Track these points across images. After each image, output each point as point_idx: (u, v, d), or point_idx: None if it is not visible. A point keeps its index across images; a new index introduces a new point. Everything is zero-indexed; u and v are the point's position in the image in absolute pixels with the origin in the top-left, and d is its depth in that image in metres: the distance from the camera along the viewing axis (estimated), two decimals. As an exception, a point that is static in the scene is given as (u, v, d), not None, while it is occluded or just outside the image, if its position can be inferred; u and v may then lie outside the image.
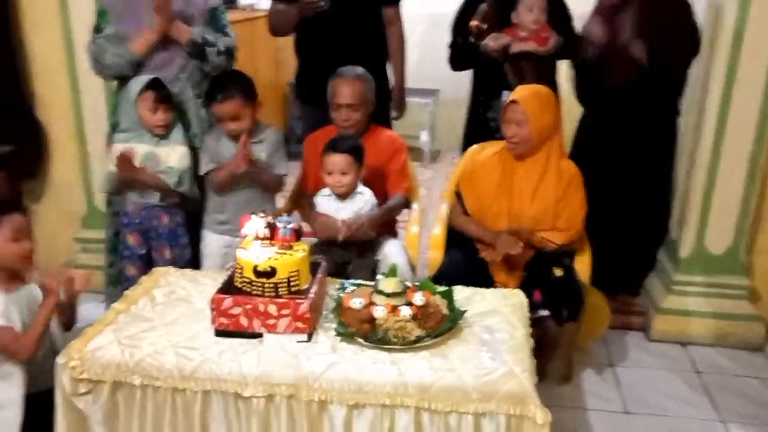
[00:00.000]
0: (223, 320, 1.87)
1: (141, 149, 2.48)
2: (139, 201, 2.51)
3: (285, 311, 1.84)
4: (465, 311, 1.96)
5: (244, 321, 1.86)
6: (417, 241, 2.63)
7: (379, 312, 1.87)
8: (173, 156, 2.49)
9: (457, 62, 2.98)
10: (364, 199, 2.49)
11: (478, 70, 2.96)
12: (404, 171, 2.72)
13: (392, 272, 1.96)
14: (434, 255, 2.55)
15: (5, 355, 1.88)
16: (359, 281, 2.15)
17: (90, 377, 1.78)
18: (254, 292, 1.86)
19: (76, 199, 3.25)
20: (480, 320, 1.98)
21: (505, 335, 1.90)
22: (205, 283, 2.19)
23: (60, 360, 1.79)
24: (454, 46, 2.97)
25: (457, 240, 2.56)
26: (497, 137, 2.65)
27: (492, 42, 2.75)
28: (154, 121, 2.45)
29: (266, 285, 1.86)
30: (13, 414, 1.86)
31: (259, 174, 2.50)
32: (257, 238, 1.94)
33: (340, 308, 1.95)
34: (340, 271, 2.44)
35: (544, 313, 2.37)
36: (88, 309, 2.45)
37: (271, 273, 1.85)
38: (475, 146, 2.76)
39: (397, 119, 3.27)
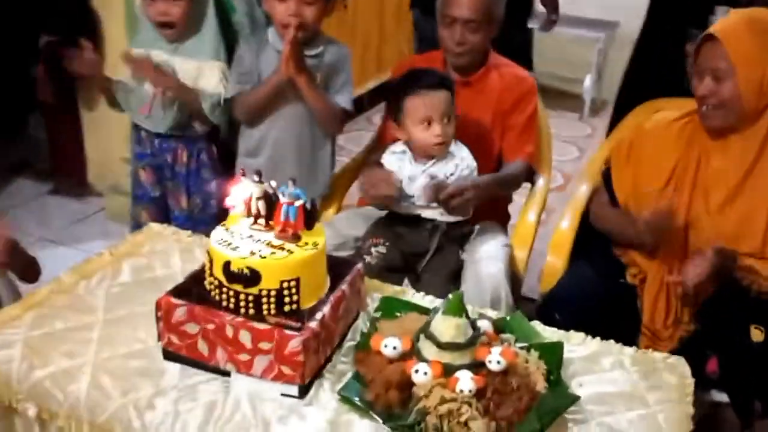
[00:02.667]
0: (173, 339, 1.18)
1: (155, 57, 1.81)
2: (147, 126, 1.87)
3: (265, 344, 1.12)
4: (577, 398, 1.13)
5: (202, 347, 1.16)
6: (531, 237, 1.77)
7: (421, 375, 1.09)
8: (188, 69, 1.80)
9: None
10: (456, 161, 1.66)
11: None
12: (530, 128, 1.85)
13: (456, 302, 1.16)
14: (554, 263, 1.68)
15: None
16: (419, 301, 1.37)
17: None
18: (224, 304, 1.15)
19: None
20: (603, 411, 1.14)
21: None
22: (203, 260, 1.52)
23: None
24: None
25: (594, 245, 1.67)
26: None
27: None
28: (154, 15, 1.76)
29: (243, 296, 1.14)
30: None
31: (312, 94, 1.74)
32: (248, 214, 1.22)
33: (362, 350, 1.20)
34: (408, 268, 1.67)
35: (720, 397, 1.46)
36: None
37: (252, 278, 1.13)
38: (644, 105, 1.81)
39: (546, 29, 2.33)
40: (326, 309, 1.18)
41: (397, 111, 1.64)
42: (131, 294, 1.39)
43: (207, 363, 1.17)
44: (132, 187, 2.02)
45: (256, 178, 1.19)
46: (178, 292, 1.19)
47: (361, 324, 1.32)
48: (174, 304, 1.16)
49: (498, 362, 1.11)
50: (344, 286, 1.25)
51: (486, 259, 1.60)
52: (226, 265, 1.14)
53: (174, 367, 1.19)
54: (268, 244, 1.17)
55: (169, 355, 1.20)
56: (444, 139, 1.63)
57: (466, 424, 1.03)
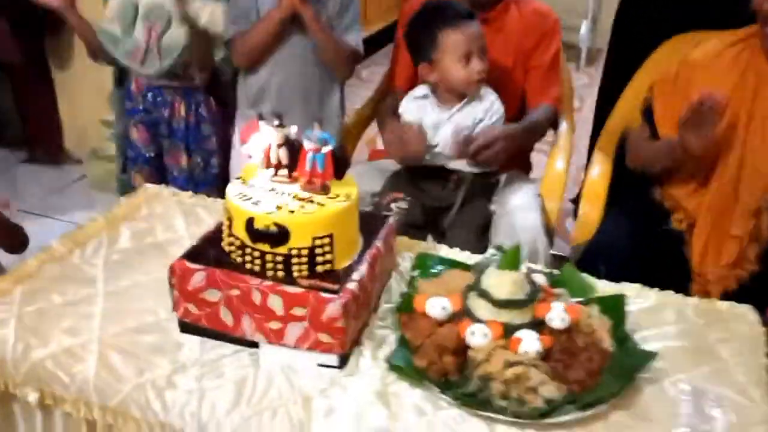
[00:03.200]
0: (191, 308, 1.04)
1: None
2: (140, 75, 1.69)
3: (299, 310, 0.98)
4: (653, 355, 1.01)
5: (226, 316, 1.03)
6: (562, 186, 1.64)
7: (479, 337, 0.97)
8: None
9: None
10: (485, 105, 1.52)
11: None
12: (555, 69, 1.71)
13: (513, 256, 1.03)
14: (588, 213, 1.56)
15: None
16: (453, 257, 1.25)
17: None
18: (248, 267, 1.01)
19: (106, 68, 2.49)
20: (673, 368, 1.03)
21: (731, 413, 0.95)
22: (209, 223, 1.37)
23: None
24: None
25: (631, 193, 1.55)
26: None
27: None
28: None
29: (270, 257, 1.00)
30: None
31: (319, 30, 1.58)
32: (267, 165, 1.07)
33: (405, 312, 1.07)
34: (431, 224, 1.54)
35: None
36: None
37: (280, 236, 0.99)
38: (681, 36, 1.67)
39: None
40: (363, 268, 1.05)
41: (427, 49, 1.49)
42: (133, 261, 1.24)
43: (231, 334, 1.03)
44: (121, 149, 1.85)
45: (276, 122, 1.05)
46: (194, 255, 1.04)
47: (394, 284, 1.20)
48: (191, 269, 1.02)
49: (562, 319, 0.99)
50: (379, 243, 1.12)
51: (520, 209, 1.47)
52: (249, 222, 0.99)
53: (192, 341, 1.05)
54: (294, 197, 1.03)
55: (187, 327, 1.06)
56: (480, 77, 1.48)
57: (534, 390, 0.92)
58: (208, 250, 1.06)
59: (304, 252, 1.00)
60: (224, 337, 1.04)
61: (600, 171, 1.63)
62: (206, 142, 1.77)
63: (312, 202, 1.02)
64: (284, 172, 1.07)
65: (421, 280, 1.15)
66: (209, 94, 1.75)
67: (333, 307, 0.97)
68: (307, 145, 1.03)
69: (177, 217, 1.39)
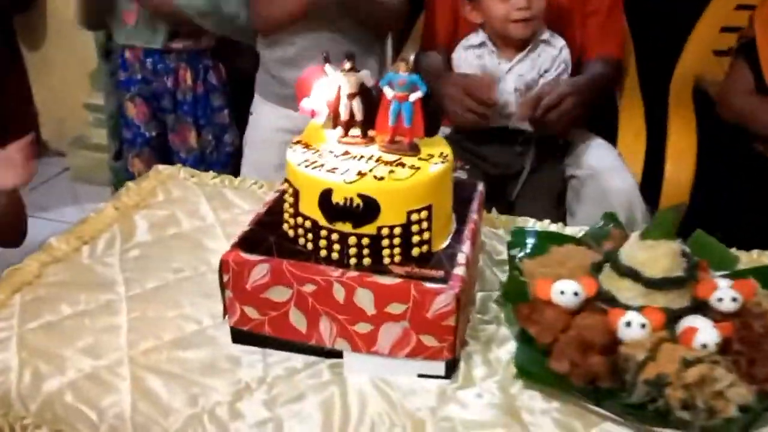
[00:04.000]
0: (250, 312, 0.81)
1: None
2: (136, 41, 1.44)
3: (396, 306, 0.76)
4: None
5: (297, 320, 0.79)
6: (642, 146, 1.42)
7: (635, 330, 0.75)
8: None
9: None
10: (552, 52, 1.30)
11: None
12: (617, 14, 1.49)
13: (668, 221, 0.81)
14: (678, 174, 1.35)
15: None
16: (538, 226, 1.03)
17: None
18: (324, 255, 0.78)
19: (86, 43, 2.21)
20: None
21: None
22: (242, 207, 1.14)
23: None
24: None
25: (725, 146, 1.34)
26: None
27: None
28: None
29: (353, 240, 0.77)
30: None
31: None
32: (336, 122, 0.84)
33: (520, 302, 0.84)
34: (494, 194, 1.32)
35: None
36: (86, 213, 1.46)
37: (368, 211, 0.76)
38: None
39: None
40: (466, 249, 0.82)
41: None
42: (158, 257, 1.00)
43: (305, 342, 0.80)
44: (114, 131, 1.59)
45: (348, 66, 0.81)
46: (250, 243, 0.81)
47: (483, 266, 0.98)
48: (250, 262, 0.78)
49: (733, 299, 0.78)
50: (475, 216, 0.89)
51: (608, 170, 1.25)
52: (325, 195, 0.76)
53: (251, 354, 0.82)
54: (378, 160, 0.80)
55: (242, 336, 0.82)
56: (529, 14, 1.25)
57: (721, 394, 0.70)
58: (266, 236, 0.82)
59: (397, 231, 0.77)
60: (294, 346, 0.81)
61: (681, 125, 1.42)
62: (218, 116, 1.53)
63: (403, 165, 0.79)
64: (356, 131, 0.83)
65: (527, 260, 0.92)
66: (218, 59, 1.50)
67: (443, 300, 0.75)
68: (389, 92, 0.80)
69: (201, 203, 1.15)
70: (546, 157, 1.32)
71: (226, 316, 0.82)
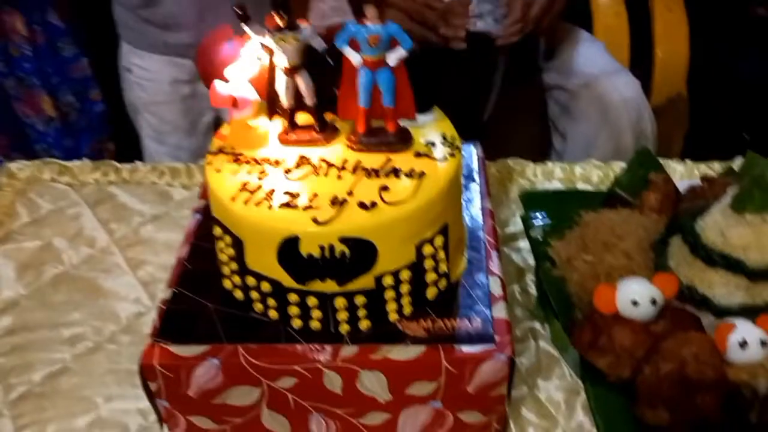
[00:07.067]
0: (201, 421, 0.55)
1: None
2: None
3: (422, 386, 0.52)
4: None
5: (274, 424, 0.54)
6: (624, 29, 1.17)
7: (754, 350, 0.55)
8: None
9: None
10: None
11: None
12: None
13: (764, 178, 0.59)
14: (667, 57, 1.12)
15: None
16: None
17: None
18: (296, 325, 0.52)
19: None
20: None
21: None
22: (142, 213, 0.84)
23: None
24: None
25: (715, 19, 1.12)
26: None
27: None
28: None
29: (341, 302, 0.51)
30: None
31: None
32: (274, 110, 0.55)
33: (564, 308, 0.62)
34: (459, 116, 1.06)
35: None
36: None
37: (359, 259, 0.49)
38: None
39: None
40: (496, 267, 0.58)
41: None
42: (39, 325, 0.71)
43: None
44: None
45: (279, 22, 0.51)
46: (178, 323, 0.53)
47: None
48: (186, 360, 0.51)
49: None
50: (488, 204, 0.65)
51: (606, 76, 0.99)
52: (288, 247, 0.49)
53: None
54: (355, 168, 0.52)
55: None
56: None
57: None
58: (200, 303, 0.55)
59: (405, 275, 0.52)
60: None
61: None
62: (72, 68, 1.15)
63: (397, 172, 0.52)
64: (307, 120, 0.55)
65: (556, 242, 0.69)
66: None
67: (490, 367, 0.51)
68: (354, 57, 0.51)
69: (82, 215, 0.84)
70: (520, 65, 1.06)
71: (164, 427, 0.57)
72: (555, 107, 1.06)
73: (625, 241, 0.66)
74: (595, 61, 1.03)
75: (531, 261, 0.74)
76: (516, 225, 0.79)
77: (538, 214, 0.74)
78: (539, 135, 1.07)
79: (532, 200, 0.76)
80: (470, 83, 1.06)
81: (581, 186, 0.85)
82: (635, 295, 0.58)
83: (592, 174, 0.86)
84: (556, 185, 0.85)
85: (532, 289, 0.72)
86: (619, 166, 0.85)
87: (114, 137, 1.24)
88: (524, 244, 0.77)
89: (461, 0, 0.91)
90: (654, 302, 0.58)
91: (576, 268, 0.66)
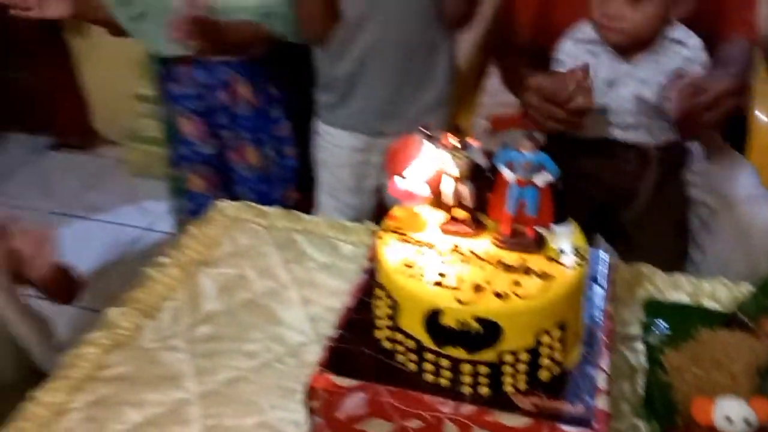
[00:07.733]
0: (342, 443, 0.69)
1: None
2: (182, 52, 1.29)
3: (522, 449, 0.63)
4: None
5: (399, 455, 0.68)
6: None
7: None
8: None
9: None
10: (684, 52, 1.08)
11: None
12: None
13: None
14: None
15: None
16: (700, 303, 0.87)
17: None
18: (429, 379, 0.65)
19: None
20: None
21: None
22: (316, 260, 1.02)
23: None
24: None
25: None
26: None
27: None
28: None
29: (467, 368, 0.63)
30: None
31: None
32: (439, 204, 0.69)
33: (668, 412, 0.70)
34: (601, 221, 1.15)
35: None
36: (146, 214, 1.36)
37: (485, 336, 0.62)
38: None
39: None
40: (605, 364, 0.68)
41: None
42: (228, 337, 0.89)
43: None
44: (169, 139, 1.47)
45: (454, 142, 0.66)
46: (341, 360, 0.68)
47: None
48: (342, 389, 0.66)
49: None
50: (609, 307, 0.75)
51: (750, 200, 1.05)
52: (432, 317, 0.63)
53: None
54: (497, 262, 0.65)
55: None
56: (624, 25, 1.03)
57: None
58: (359, 349, 0.70)
59: (523, 357, 0.63)
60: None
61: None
62: (277, 128, 1.39)
63: (529, 272, 0.64)
64: (462, 215, 0.69)
65: (671, 352, 0.77)
66: (273, 66, 1.35)
67: (584, 446, 0.61)
68: (509, 175, 0.65)
69: (271, 253, 1.04)
70: (667, 176, 1.13)
71: (314, 443, 0.71)
72: (696, 221, 1.12)
73: (735, 363, 0.73)
74: (742, 183, 1.08)
75: (645, 363, 0.82)
76: (638, 327, 0.87)
77: (658, 322, 0.83)
78: (680, 246, 1.13)
79: (655, 308, 0.85)
80: (619, 189, 1.16)
81: (706, 302, 0.91)
82: (730, 412, 0.65)
83: (720, 292, 0.91)
84: (682, 297, 0.92)
85: (641, 390, 0.80)
86: (747, 288, 0.90)
87: (299, 187, 1.46)
88: (642, 346, 0.85)
89: (579, 84, 0.97)
90: (748, 423, 0.65)
91: (684, 378, 0.74)
